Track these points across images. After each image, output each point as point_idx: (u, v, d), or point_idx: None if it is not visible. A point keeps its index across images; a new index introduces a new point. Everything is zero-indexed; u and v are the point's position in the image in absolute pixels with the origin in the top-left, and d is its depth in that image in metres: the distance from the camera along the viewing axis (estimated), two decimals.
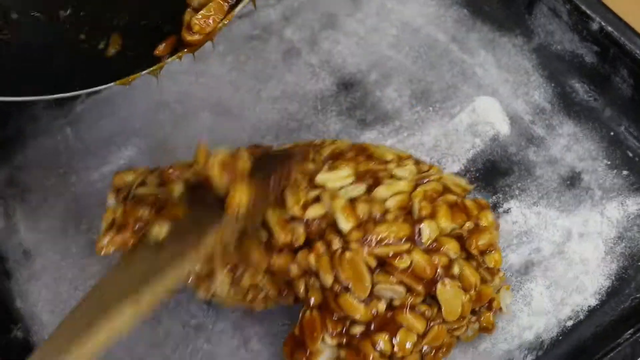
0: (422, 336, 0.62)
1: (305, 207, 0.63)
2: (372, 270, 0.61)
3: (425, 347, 0.63)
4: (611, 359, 0.65)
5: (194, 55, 0.63)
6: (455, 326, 0.63)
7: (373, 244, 0.61)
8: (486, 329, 0.67)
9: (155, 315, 0.73)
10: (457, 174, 0.78)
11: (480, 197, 0.76)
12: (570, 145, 0.79)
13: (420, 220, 0.63)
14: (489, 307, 0.66)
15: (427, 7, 0.90)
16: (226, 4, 0.63)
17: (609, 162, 0.78)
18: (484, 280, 0.64)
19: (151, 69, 0.63)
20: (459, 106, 0.83)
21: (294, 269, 0.63)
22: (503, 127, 0.81)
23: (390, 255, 0.61)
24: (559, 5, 0.82)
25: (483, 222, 0.65)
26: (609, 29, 0.79)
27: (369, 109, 0.84)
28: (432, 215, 0.64)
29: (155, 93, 0.81)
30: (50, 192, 0.81)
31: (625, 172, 0.77)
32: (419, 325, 0.62)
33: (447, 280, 0.62)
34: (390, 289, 0.61)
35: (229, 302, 0.67)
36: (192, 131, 0.82)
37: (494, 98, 0.83)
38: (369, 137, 0.81)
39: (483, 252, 0.64)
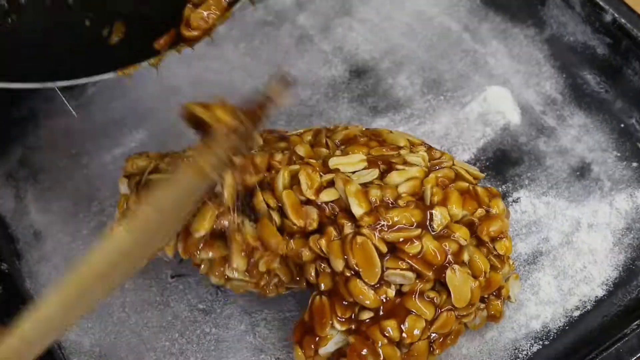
0: (430, 323, 0.62)
1: (319, 190, 0.64)
2: (382, 256, 0.61)
3: (433, 334, 0.63)
4: (618, 350, 0.65)
5: (212, 38, 0.63)
6: (464, 313, 0.64)
7: (385, 229, 0.61)
8: (494, 317, 0.67)
9: (164, 299, 0.74)
10: (468, 162, 0.78)
11: (490, 186, 0.76)
12: (580, 136, 0.80)
13: (432, 206, 0.63)
14: (498, 295, 0.66)
15: None
16: (225, 0, 0.63)
17: (618, 154, 0.78)
18: (493, 267, 0.64)
19: (150, 60, 0.63)
20: (470, 95, 0.83)
21: (306, 254, 0.63)
22: (514, 117, 0.81)
23: (401, 240, 0.61)
24: None
25: (494, 210, 0.66)
26: (622, 20, 0.79)
27: (380, 97, 0.84)
28: (444, 202, 0.64)
29: (167, 77, 0.81)
30: (61, 174, 0.81)
31: (635, 164, 0.77)
32: (428, 312, 0.62)
33: (456, 267, 0.62)
34: (400, 274, 0.61)
35: (242, 287, 0.68)
36: None
37: (505, 88, 0.83)
38: (380, 124, 0.81)
39: (494, 239, 0.65)
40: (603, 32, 0.82)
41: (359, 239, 0.61)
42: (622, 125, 0.80)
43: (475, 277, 0.63)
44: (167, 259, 0.69)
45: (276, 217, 0.64)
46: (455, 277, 0.62)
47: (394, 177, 0.64)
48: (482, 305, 0.66)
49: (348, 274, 0.61)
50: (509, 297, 0.68)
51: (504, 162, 0.79)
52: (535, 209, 0.76)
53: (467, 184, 0.66)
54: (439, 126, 0.81)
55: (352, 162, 0.65)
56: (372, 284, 0.61)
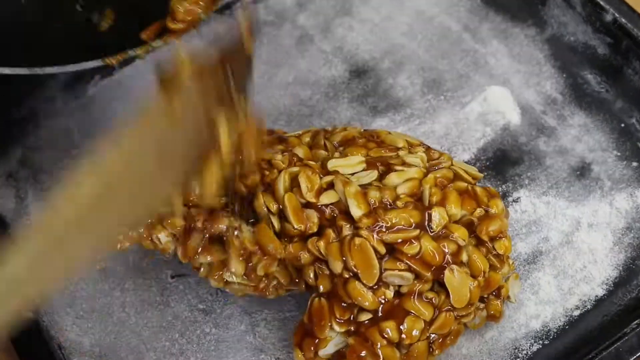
0: (429, 323, 0.62)
1: (319, 193, 0.64)
2: (381, 257, 0.61)
3: (432, 335, 0.63)
4: (617, 349, 0.65)
5: (198, 31, 0.63)
6: (463, 313, 0.63)
7: (383, 231, 0.61)
8: (494, 317, 0.67)
9: (164, 299, 0.74)
10: (468, 162, 0.78)
11: (490, 186, 0.76)
12: (580, 136, 0.79)
13: (431, 206, 0.63)
14: (497, 295, 0.66)
15: None
16: None
17: (619, 154, 0.78)
18: (493, 267, 0.64)
19: (137, 49, 0.63)
20: (471, 95, 0.83)
21: (305, 256, 0.63)
22: (514, 117, 0.81)
23: (399, 241, 0.61)
24: None
25: (493, 210, 0.66)
26: (623, 20, 0.79)
27: (380, 97, 0.84)
28: (442, 202, 0.64)
29: None
30: (61, 174, 0.81)
31: (635, 164, 0.77)
32: (427, 312, 0.62)
33: (455, 267, 0.62)
34: (399, 275, 0.61)
35: (241, 291, 0.68)
36: None
37: (506, 88, 0.83)
38: (380, 124, 0.81)
39: (493, 239, 0.64)
40: (604, 32, 0.82)
41: (357, 240, 0.61)
42: (623, 125, 0.79)
43: (474, 277, 0.63)
44: (167, 258, 0.69)
45: (275, 221, 0.64)
46: (454, 278, 0.62)
47: (392, 179, 0.64)
48: (482, 305, 0.66)
49: (347, 276, 0.61)
50: (508, 297, 0.68)
51: (504, 162, 0.79)
52: (535, 208, 0.76)
53: (465, 184, 0.66)
54: (439, 126, 0.81)
55: (350, 164, 0.65)
56: (371, 285, 0.61)
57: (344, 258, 0.61)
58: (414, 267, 0.61)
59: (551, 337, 0.70)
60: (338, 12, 0.89)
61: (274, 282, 0.66)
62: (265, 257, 0.64)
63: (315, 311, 0.63)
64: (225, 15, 0.67)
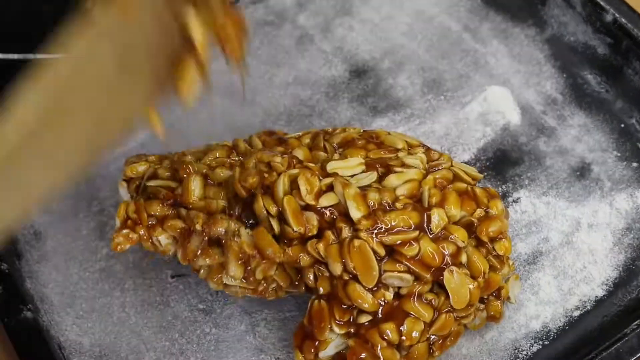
0: (429, 325, 0.62)
1: (318, 195, 0.64)
2: (380, 259, 0.61)
3: (432, 336, 0.63)
4: (617, 350, 0.65)
5: None
6: (463, 314, 0.63)
7: (382, 232, 0.61)
8: (494, 318, 0.67)
9: (164, 299, 0.74)
10: (468, 162, 0.78)
11: (490, 186, 0.76)
12: (580, 136, 0.80)
13: (430, 207, 0.63)
14: (497, 296, 0.66)
15: None
16: None
17: (619, 154, 0.78)
18: (492, 268, 0.64)
19: None
20: (471, 95, 0.83)
21: (304, 259, 0.63)
22: (514, 117, 0.81)
23: (399, 243, 0.61)
24: None
25: (493, 210, 0.66)
26: (623, 20, 0.79)
27: (380, 97, 0.84)
28: (442, 203, 0.64)
29: None
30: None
31: (635, 164, 0.77)
32: (427, 314, 0.62)
33: (454, 268, 0.62)
34: (398, 277, 0.61)
35: (240, 293, 0.68)
36: (204, 116, 0.82)
37: (506, 88, 0.83)
38: (380, 124, 0.81)
39: (493, 239, 0.64)
40: (604, 32, 0.82)
41: (357, 242, 0.61)
42: (623, 125, 0.80)
43: (474, 277, 0.63)
44: (167, 259, 0.69)
45: (275, 224, 0.64)
46: (453, 279, 0.62)
47: (392, 180, 0.64)
48: (482, 306, 0.66)
49: (346, 278, 0.61)
50: (508, 298, 0.68)
51: (504, 162, 0.79)
52: (535, 209, 0.76)
53: (465, 185, 0.66)
54: (439, 126, 0.81)
55: (350, 166, 0.65)
56: (370, 287, 0.61)
57: (343, 260, 0.61)
58: (414, 268, 0.61)
59: (551, 338, 0.69)
60: (338, 12, 0.89)
61: (273, 285, 0.66)
62: (264, 261, 0.64)
63: (315, 313, 0.63)
64: None
